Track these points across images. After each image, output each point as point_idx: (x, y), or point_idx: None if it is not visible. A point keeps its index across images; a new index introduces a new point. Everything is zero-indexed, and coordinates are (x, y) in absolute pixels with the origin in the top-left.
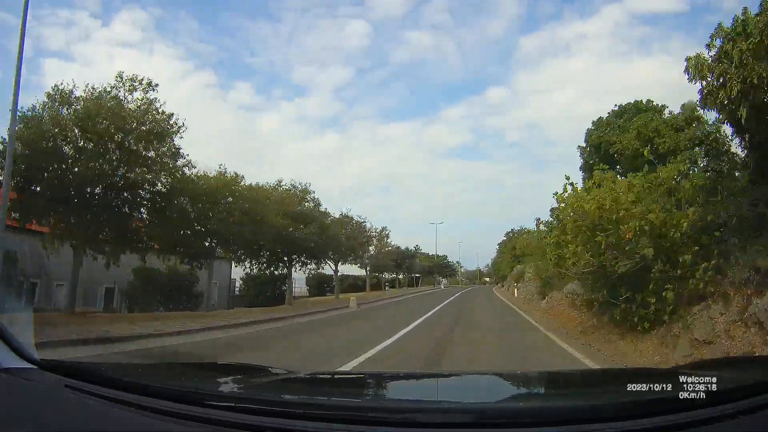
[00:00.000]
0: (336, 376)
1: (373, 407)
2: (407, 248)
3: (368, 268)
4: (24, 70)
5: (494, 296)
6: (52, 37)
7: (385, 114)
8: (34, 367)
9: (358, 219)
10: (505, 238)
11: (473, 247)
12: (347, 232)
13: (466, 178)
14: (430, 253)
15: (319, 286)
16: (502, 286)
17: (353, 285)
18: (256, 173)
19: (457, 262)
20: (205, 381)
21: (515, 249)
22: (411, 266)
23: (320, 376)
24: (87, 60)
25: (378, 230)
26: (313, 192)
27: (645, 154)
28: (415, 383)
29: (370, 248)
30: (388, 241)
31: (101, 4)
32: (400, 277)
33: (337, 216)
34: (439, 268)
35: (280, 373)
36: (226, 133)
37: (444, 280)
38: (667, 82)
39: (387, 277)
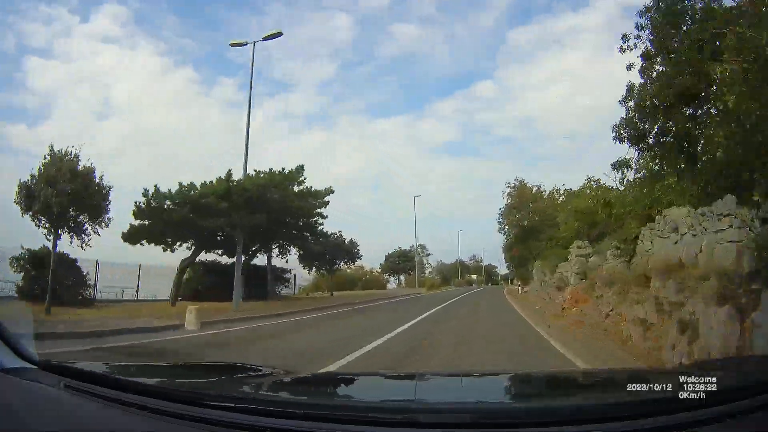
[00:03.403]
0: (336, 376)
1: (373, 407)
2: None
3: None
4: (6, 67)
5: None
6: (33, 34)
7: (373, 110)
8: (34, 367)
9: None
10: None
11: (462, 241)
12: None
13: (455, 174)
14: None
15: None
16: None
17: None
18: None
19: (420, 248)
20: (204, 381)
21: None
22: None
23: (320, 376)
24: (69, 57)
25: None
26: None
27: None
28: (415, 383)
29: None
30: None
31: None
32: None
33: None
34: (338, 248)
35: (280, 373)
36: (210, 130)
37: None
38: None
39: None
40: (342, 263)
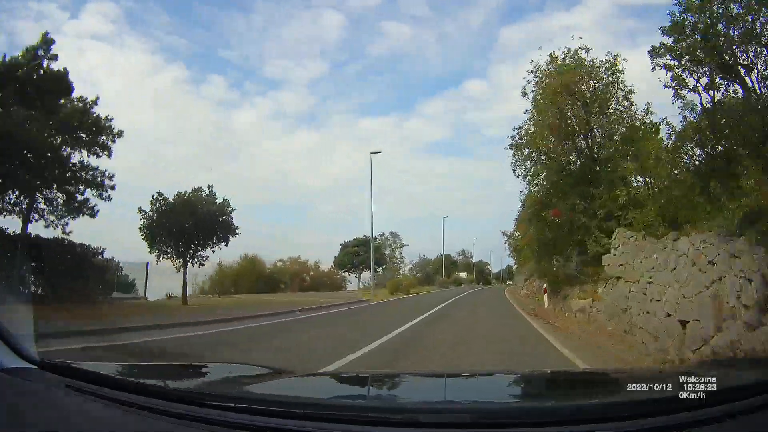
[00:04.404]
0: (336, 376)
1: (372, 407)
2: None
3: None
4: None
5: None
6: (24, 31)
7: (364, 110)
8: (34, 367)
9: None
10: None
11: (461, 242)
12: None
13: (446, 174)
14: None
15: None
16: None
17: None
18: (233, 170)
19: (392, 236)
20: (205, 381)
21: None
22: None
23: (320, 376)
24: (59, 54)
25: None
26: None
27: None
28: (415, 383)
29: None
30: None
31: None
32: None
33: None
34: None
35: (279, 373)
36: (200, 130)
37: None
38: (651, 76)
39: None
40: (208, 245)
